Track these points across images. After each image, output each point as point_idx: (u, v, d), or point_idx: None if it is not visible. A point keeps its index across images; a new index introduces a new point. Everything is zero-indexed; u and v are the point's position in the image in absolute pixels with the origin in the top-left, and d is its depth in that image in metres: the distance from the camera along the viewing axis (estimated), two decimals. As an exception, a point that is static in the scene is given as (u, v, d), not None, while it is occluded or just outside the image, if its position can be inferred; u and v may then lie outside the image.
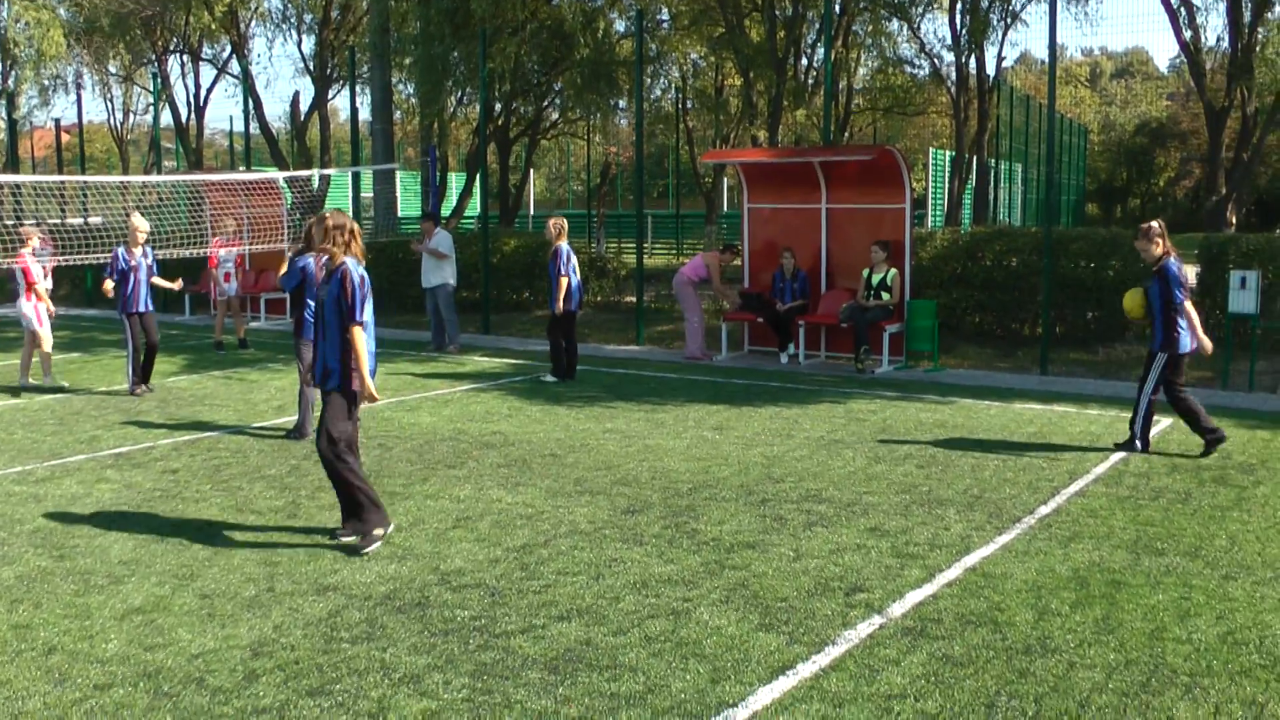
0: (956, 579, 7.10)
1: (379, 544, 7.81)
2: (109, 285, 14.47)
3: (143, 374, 14.57)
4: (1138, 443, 10.73)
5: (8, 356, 18.13)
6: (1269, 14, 27.08)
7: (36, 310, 14.90)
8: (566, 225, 15.38)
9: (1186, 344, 10.61)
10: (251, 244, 22.33)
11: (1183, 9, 27.86)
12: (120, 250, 14.53)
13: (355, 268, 7.71)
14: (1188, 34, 27.89)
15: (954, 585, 6.99)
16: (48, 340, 15.03)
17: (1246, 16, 27.31)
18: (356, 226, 7.98)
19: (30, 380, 15.01)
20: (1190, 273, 17.89)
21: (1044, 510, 8.71)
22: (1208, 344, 10.72)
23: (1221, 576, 7.15)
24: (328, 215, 7.88)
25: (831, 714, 5.26)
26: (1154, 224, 10.91)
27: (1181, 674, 5.69)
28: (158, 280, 14.80)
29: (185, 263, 22.02)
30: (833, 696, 5.44)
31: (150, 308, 14.60)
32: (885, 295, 16.11)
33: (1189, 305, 10.59)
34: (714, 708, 5.35)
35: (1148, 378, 10.78)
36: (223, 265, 19.77)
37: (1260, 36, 27.60)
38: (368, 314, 7.76)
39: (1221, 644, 6.07)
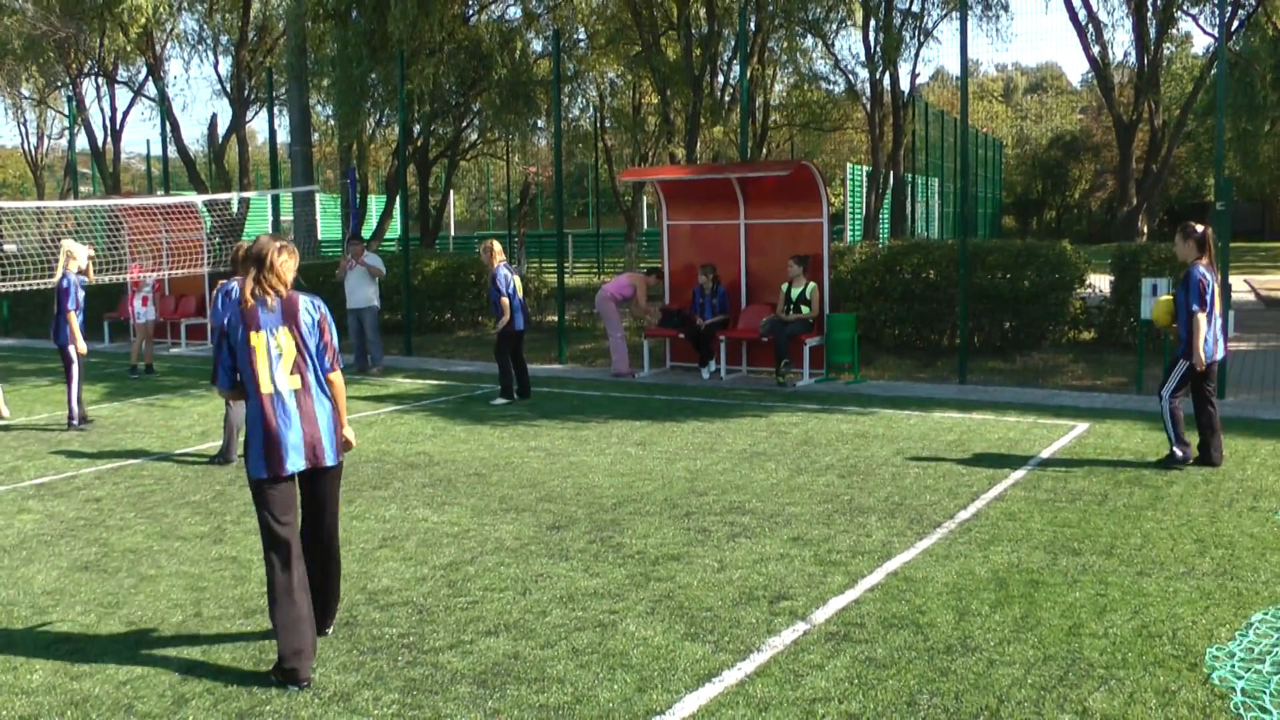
0: (878, 584, 7.23)
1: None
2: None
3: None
4: (1176, 451, 10.43)
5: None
6: (1173, 30, 27.71)
7: None
8: (499, 247, 15.38)
9: (1211, 352, 10.44)
10: (171, 269, 22.14)
11: (1090, 25, 28.45)
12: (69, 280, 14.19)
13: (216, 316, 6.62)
14: (1096, 49, 28.49)
15: (876, 590, 7.11)
16: None
17: (1152, 33, 27.94)
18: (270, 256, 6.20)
19: None
20: (1104, 282, 18.35)
21: (964, 515, 8.87)
22: (1200, 358, 10.40)
23: (1136, 573, 7.33)
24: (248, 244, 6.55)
25: (756, 718, 5.35)
26: (1194, 225, 10.67)
27: (1098, 667, 5.85)
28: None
29: (104, 289, 21.76)
30: (758, 702, 5.53)
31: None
32: (805, 309, 16.30)
33: (1200, 318, 10.30)
34: (641, 716, 5.42)
35: (1166, 382, 10.59)
36: (141, 290, 19.66)
37: (1166, 52, 28.22)
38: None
39: (1136, 637, 6.24)
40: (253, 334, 6.03)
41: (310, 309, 6.20)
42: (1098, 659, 5.96)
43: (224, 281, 11.46)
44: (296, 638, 5.90)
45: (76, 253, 14.14)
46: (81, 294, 14.08)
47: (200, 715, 5.55)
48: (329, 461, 6.18)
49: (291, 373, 6.09)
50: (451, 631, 6.55)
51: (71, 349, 13.91)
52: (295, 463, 6.05)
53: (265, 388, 6.03)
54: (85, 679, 6.02)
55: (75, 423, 13.87)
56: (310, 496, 6.29)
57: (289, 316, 6.11)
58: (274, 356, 6.05)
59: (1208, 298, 10.34)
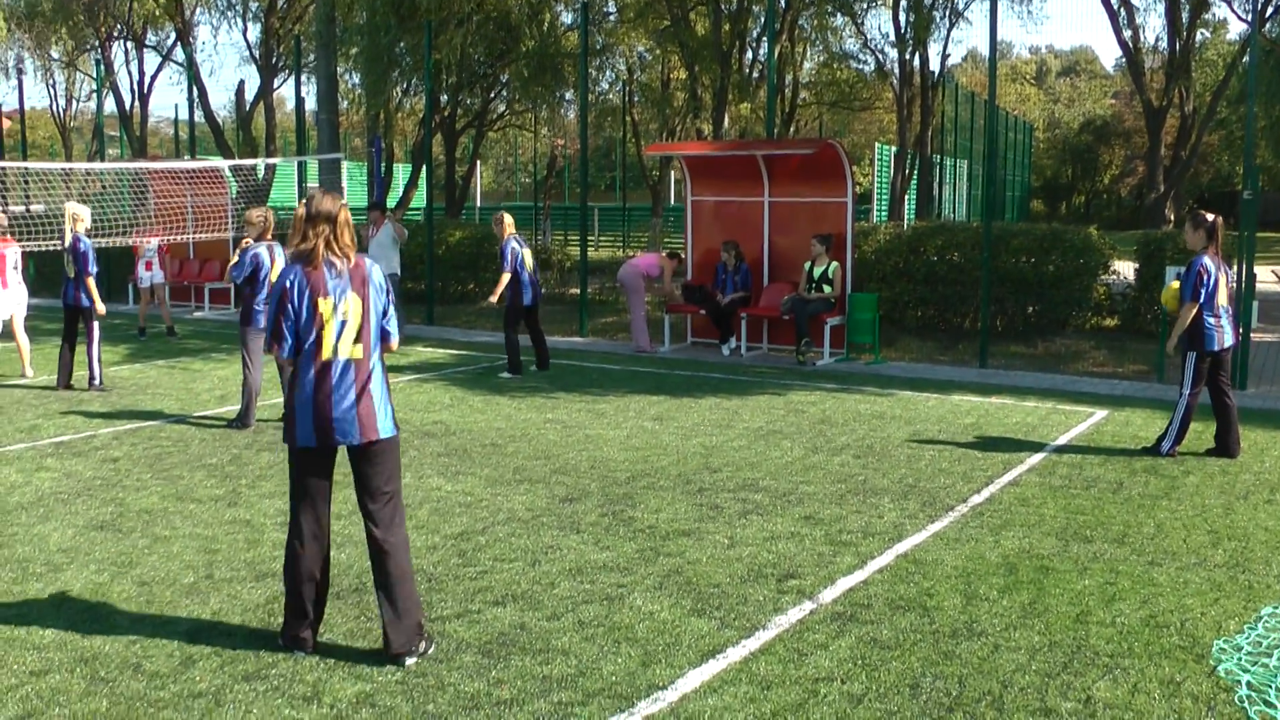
0: (888, 565, 7.23)
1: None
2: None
3: (64, 366, 14.18)
4: (1164, 445, 10.41)
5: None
6: (1207, 15, 27.49)
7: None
8: (509, 220, 15.38)
9: (1215, 341, 10.35)
10: (196, 233, 22.23)
11: (1122, 9, 28.26)
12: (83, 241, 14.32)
13: (280, 277, 5.90)
14: (1127, 34, 28.29)
15: (885, 571, 7.11)
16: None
17: (1184, 18, 27.72)
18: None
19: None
20: (1128, 269, 18.24)
21: (977, 499, 8.86)
22: (1171, 343, 10.56)
23: (1147, 563, 7.31)
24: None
25: (758, 696, 5.36)
26: (1205, 214, 10.60)
27: (1103, 655, 5.84)
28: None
29: (127, 252, 21.90)
30: (761, 679, 5.54)
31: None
32: (827, 288, 16.27)
33: (1191, 309, 10.28)
34: (644, 690, 5.43)
35: (1183, 381, 10.49)
36: (145, 254, 19.86)
37: (1200, 38, 28.01)
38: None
39: (1144, 626, 6.22)
40: (320, 299, 5.69)
41: (377, 274, 5.94)
42: (1104, 647, 5.95)
43: (249, 243, 11.50)
44: (305, 605, 5.84)
45: (82, 214, 14.15)
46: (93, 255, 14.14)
47: (207, 675, 5.59)
48: (384, 434, 5.83)
49: (355, 341, 5.78)
50: (459, 600, 6.58)
51: (91, 309, 13.99)
52: (350, 434, 5.75)
53: (325, 354, 5.72)
54: (96, 636, 6.07)
55: (96, 383, 13.94)
56: (364, 471, 5.87)
57: (359, 282, 5.82)
58: (339, 324, 5.73)
59: (1203, 290, 10.29)
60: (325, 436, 5.73)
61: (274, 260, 11.52)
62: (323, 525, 5.93)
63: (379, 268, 5.99)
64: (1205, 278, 10.31)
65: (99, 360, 14.04)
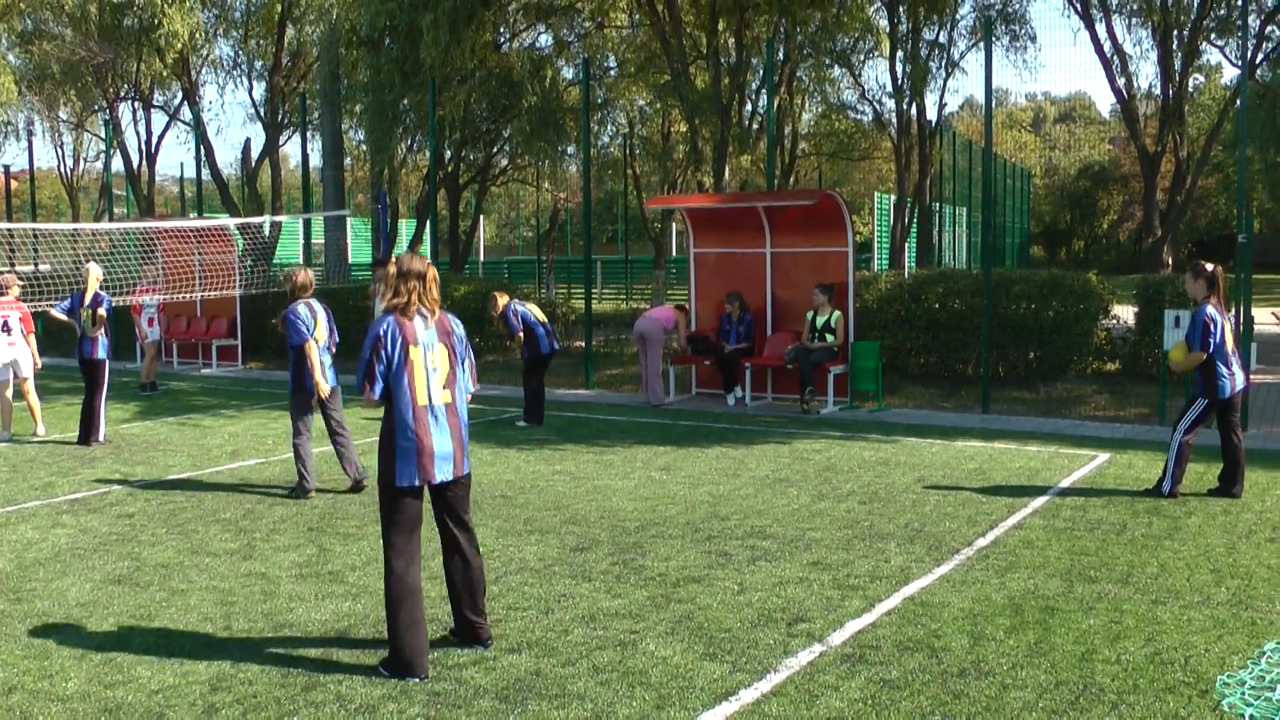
0: (895, 608, 7.34)
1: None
2: (56, 315, 14.71)
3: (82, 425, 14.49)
4: (1165, 485, 10.54)
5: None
6: (1201, 61, 27.80)
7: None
8: (498, 296, 15.66)
9: (1228, 390, 10.52)
10: (205, 290, 22.45)
11: (1116, 57, 28.58)
12: (78, 294, 14.75)
13: (374, 325, 6.49)
14: (1121, 81, 28.61)
15: (893, 614, 7.22)
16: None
17: (1177, 64, 28.04)
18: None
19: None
20: (1128, 313, 18.41)
21: (982, 542, 8.97)
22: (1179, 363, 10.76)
23: (1151, 601, 7.42)
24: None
25: (773, 736, 5.47)
26: (1204, 264, 10.78)
27: (1109, 692, 5.94)
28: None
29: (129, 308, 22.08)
30: (774, 720, 5.66)
31: (104, 356, 14.72)
32: (830, 337, 16.43)
33: (1197, 358, 10.46)
34: (660, 732, 5.55)
35: (1183, 419, 10.64)
36: (146, 310, 20.12)
37: (1194, 83, 28.32)
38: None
39: (1149, 664, 6.33)
40: (412, 348, 6.33)
41: (459, 327, 6.61)
42: (1109, 684, 6.06)
43: (303, 300, 11.29)
44: (419, 637, 6.28)
45: (99, 273, 14.90)
46: None
47: (230, 725, 5.70)
48: (467, 470, 6.59)
49: (444, 387, 6.43)
50: (475, 648, 6.69)
51: (107, 365, 14.45)
52: (443, 472, 6.40)
53: (420, 400, 6.34)
54: (118, 688, 6.18)
55: (101, 438, 14.20)
56: (449, 503, 6.57)
57: (444, 333, 6.48)
58: (430, 371, 6.37)
59: (1211, 340, 10.43)
60: (426, 475, 6.36)
61: (316, 317, 11.24)
62: (418, 552, 6.50)
63: (458, 322, 6.62)
64: (1212, 327, 10.45)
65: (103, 415, 14.34)
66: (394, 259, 6.51)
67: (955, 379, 17.86)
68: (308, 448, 11.16)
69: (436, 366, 6.41)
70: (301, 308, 11.17)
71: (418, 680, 6.20)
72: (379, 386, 6.36)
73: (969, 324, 17.39)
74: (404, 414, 6.33)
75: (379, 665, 6.37)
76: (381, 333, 6.34)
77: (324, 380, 11.16)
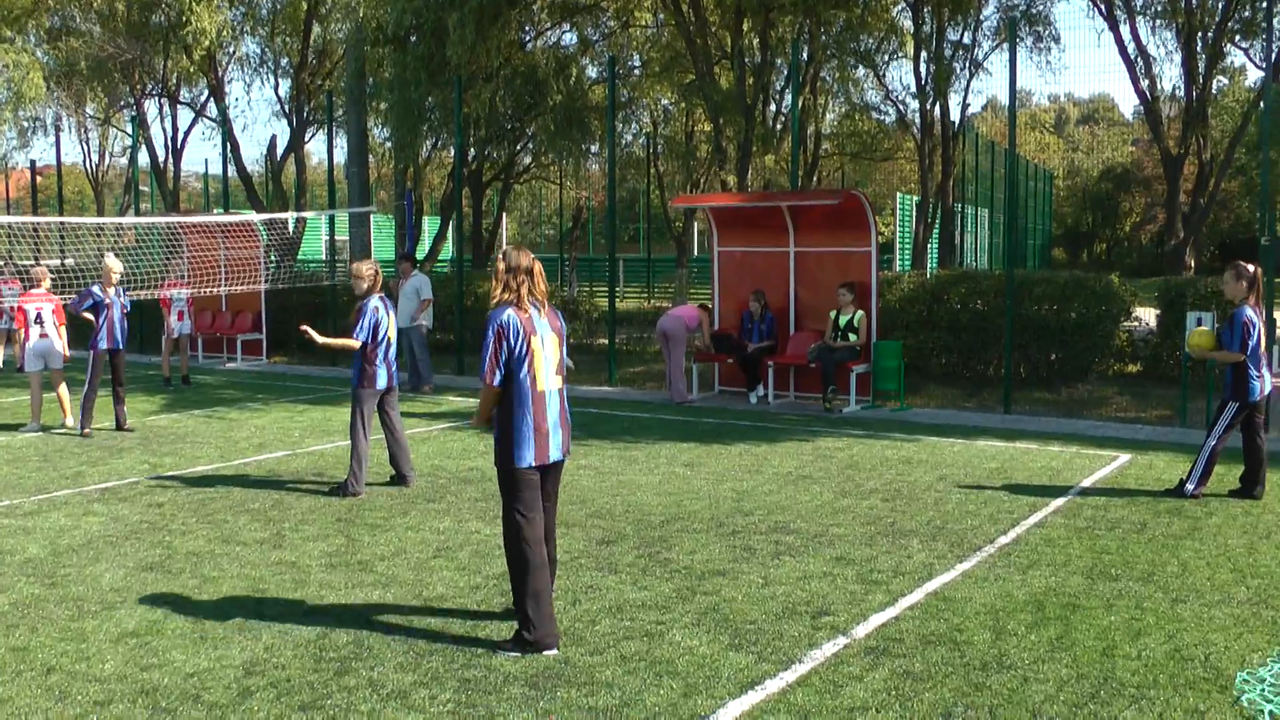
0: (918, 603, 7.42)
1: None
2: (86, 316, 14.84)
3: (116, 415, 14.84)
4: (1189, 486, 10.56)
5: (-13, 396, 18.40)
6: (1225, 63, 27.76)
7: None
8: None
9: (1258, 392, 10.55)
10: (230, 285, 22.62)
11: (1139, 59, 28.56)
12: (94, 288, 14.88)
13: (494, 316, 6.72)
14: (1145, 83, 28.59)
15: (916, 608, 7.31)
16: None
17: (1201, 66, 28.01)
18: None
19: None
20: (1150, 315, 18.44)
21: (1004, 540, 9.04)
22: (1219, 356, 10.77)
23: (1172, 599, 7.48)
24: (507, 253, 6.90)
25: (798, 724, 5.57)
26: (1246, 265, 10.73)
27: (1129, 687, 6.02)
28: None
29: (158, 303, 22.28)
30: (798, 709, 5.74)
31: (122, 346, 14.93)
32: (852, 336, 16.50)
33: (1235, 358, 10.48)
34: (686, 719, 5.64)
35: (1217, 424, 10.65)
36: (175, 305, 20.28)
37: (1218, 85, 28.27)
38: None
39: (1169, 660, 6.40)
40: (533, 338, 6.67)
41: (561, 319, 7.03)
42: (1129, 679, 6.13)
43: (369, 297, 11.23)
44: (548, 607, 6.64)
45: (119, 266, 15.26)
46: None
47: (264, 706, 5.81)
48: (570, 450, 7.01)
49: (556, 373, 6.84)
50: (504, 637, 6.78)
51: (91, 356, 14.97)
52: (556, 452, 6.79)
53: (541, 386, 6.71)
54: (154, 670, 6.31)
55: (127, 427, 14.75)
56: (550, 481, 6.94)
57: (554, 325, 6.89)
58: (548, 359, 6.76)
59: (1251, 342, 10.46)
60: (543, 456, 6.72)
61: (389, 313, 11.12)
62: (541, 529, 6.80)
63: (560, 315, 6.94)
64: (1250, 329, 10.47)
65: (84, 407, 14.66)
66: (501, 254, 6.82)
67: (977, 379, 17.90)
68: (366, 448, 10.98)
69: (550, 356, 6.78)
70: (377, 302, 11.01)
71: (553, 653, 6.52)
72: (500, 375, 6.66)
73: (991, 325, 17.43)
74: (525, 400, 6.66)
75: (499, 645, 6.64)
76: (504, 324, 6.63)
77: (324, 340, 11.22)
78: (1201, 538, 9.11)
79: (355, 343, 10.90)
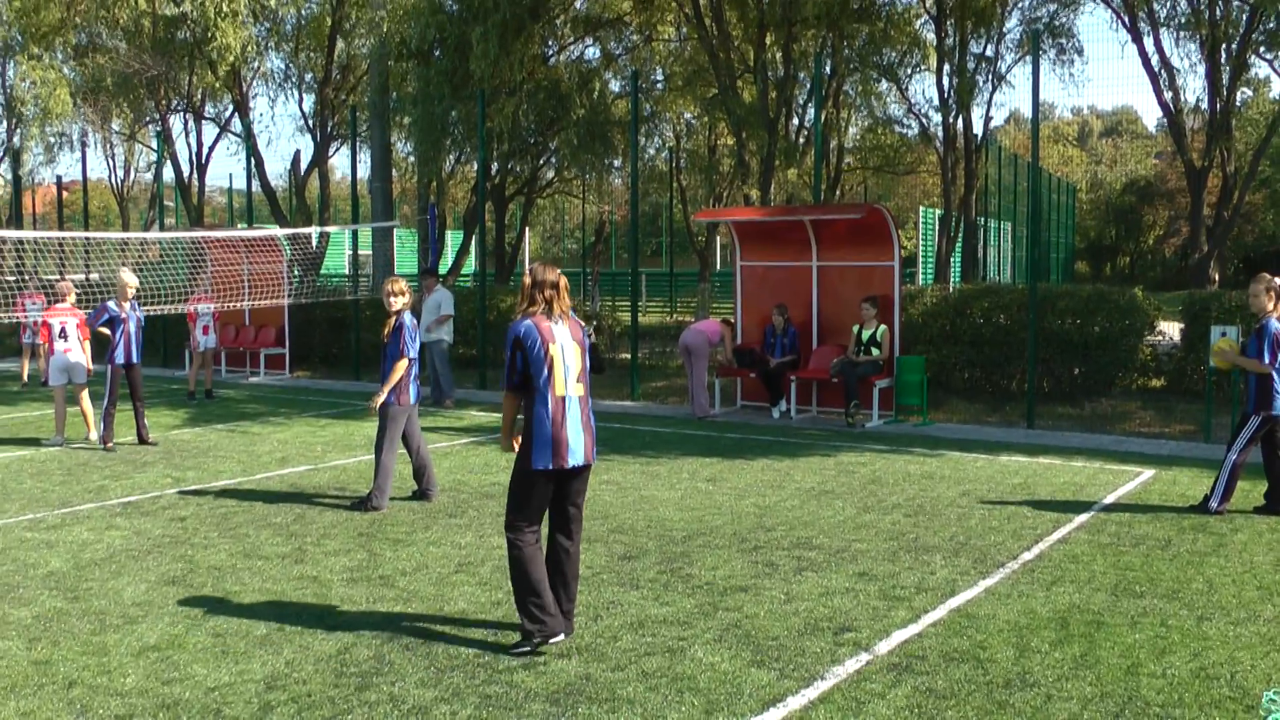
0: (941, 619, 7.38)
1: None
2: (103, 331, 14.91)
3: (137, 428, 14.91)
4: (1212, 502, 10.51)
5: (10, 410, 18.49)
6: (1249, 74, 27.64)
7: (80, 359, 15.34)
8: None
9: None
10: (253, 300, 22.70)
11: (1163, 71, 28.47)
12: (109, 303, 14.94)
13: (515, 327, 6.98)
14: (1168, 95, 28.48)
15: (939, 625, 7.27)
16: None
17: (1225, 78, 27.90)
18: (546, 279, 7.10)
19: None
20: (1174, 329, 18.34)
21: (1027, 556, 9.00)
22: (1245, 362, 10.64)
23: (1198, 617, 7.43)
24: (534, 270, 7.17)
25: (820, 742, 5.54)
26: (1270, 277, 10.67)
27: (1154, 705, 5.97)
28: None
29: (180, 319, 22.40)
30: (821, 726, 5.72)
31: (138, 361, 15.00)
32: (875, 351, 16.46)
33: (1261, 368, 10.39)
34: (708, 736, 5.63)
35: (1238, 438, 10.57)
36: (201, 319, 20.39)
37: (1242, 96, 28.14)
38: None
39: (1194, 678, 6.35)
40: (551, 346, 6.92)
41: (586, 331, 7.24)
42: (1154, 698, 6.08)
43: (406, 313, 11.21)
44: (549, 600, 6.86)
45: (135, 281, 15.40)
46: None
47: (286, 723, 5.82)
48: (593, 459, 7.11)
49: (578, 381, 7.03)
50: (525, 653, 6.78)
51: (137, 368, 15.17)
52: (576, 458, 6.93)
53: (559, 391, 6.93)
54: (175, 684, 6.32)
55: (91, 436, 15.11)
56: (572, 488, 7.08)
57: (576, 335, 7.10)
58: (567, 366, 6.96)
59: (1278, 354, 10.39)
60: (560, 460, 6.88)
61: (418, 331, 11.17)
62: (542, 531, 7.06)
63: (585, 327, 7.19)
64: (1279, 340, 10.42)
65: (105, 421, 14.71)
66: (529, 270, 7.11)
67: (1000, 394, 17.84)
68: (392, 463, 10.96)
69: (570, 364, 6.98)
70: (409, 318, 11.00)
71: (561, 638, 6.86)
72: (517, 381, 6.95)
73: (1014, 339, 17.37)
74: (544, 406, 6.88)
75: (510, 649, 6.81)
76: (522, 334, 6.91)
77: (383, 394, 10.91)
78: (1227, 555, 9.04)
79: (403, 365, 10.88)
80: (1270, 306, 10.56)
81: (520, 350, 6.92)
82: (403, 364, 10.83)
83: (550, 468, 6.87)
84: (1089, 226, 61.51)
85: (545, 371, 6.89)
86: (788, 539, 9.58)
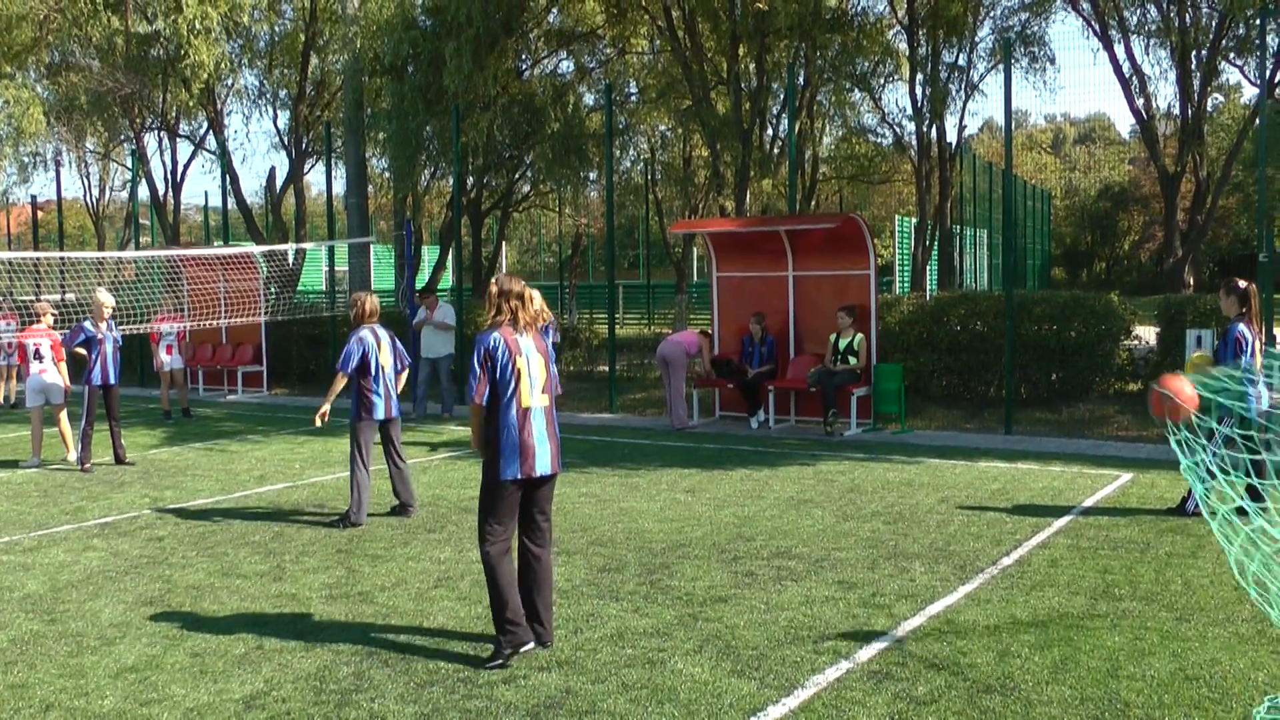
0: (921, 626, 7.39)
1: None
2: (79, 351, 14.83)
3: (114, 449, 14.83)
4: (1189, 504, 10.53)
5: (-13, 432, 18.39)
6: (1220, 80, 27.84)
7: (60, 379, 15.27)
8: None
9: (1254, 407, 10.57)
10: (230, 317, 22.63)
11: (1135, 78, 28.64)
12: (86, 323, 14.86)
13: (482, 339, 7.07)
14: (1140, 101, 28.66)
15: (919, 632, 7.27)
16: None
17: (1195, 84, 28.09)
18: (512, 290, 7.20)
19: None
20: (1150, 334, 18.42)
21: (1007, 561, 9.01)
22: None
23: (1176, 619, 7.45)
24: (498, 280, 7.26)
25: (801, 750, 5.53)
26: (1238, 282, 10.73)
27: (1134, 707, 5.98)
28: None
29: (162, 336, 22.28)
30: (802, 735, 5.71)
31: (115, 381, 14.92)
32: (853, 359, 16.49)
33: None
34: (689, 747, 5.61)
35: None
36: (164, 339, 20.30)
37: (1214, 102, 28.35)
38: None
39: (1174, 680, 6.37)
40: (517, 358, 7.01)
41: (549, 340, 7.24)
42: (1135, 700, 6.09)
43: (359, 327, 11.22)
44: (517, 611, 6.94)
45: (111, 301, 15.29)
46: None
47: (265, 742, 5.79)
48: (559, 468, 7.22)
49: (543, 392, 7.13)
50: (497, 665, 6.76)
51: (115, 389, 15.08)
52: (544, 467, 7.04)
53: (525, 402, 7.01)
54: (153, 705, 6.27)
55: (70, 457, 15.11)
56: (539, 496, 7.19)
57: (539, 345, 7.22)
58: (533, 378, 7.06)
59: (1244, 359, 10.45)
60: (528, 469, 6.98)
61: (380, 343, 11.03)
62: (511, 541, 7.10)
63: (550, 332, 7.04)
64: (1243, 344, 10.46)
65: (83, 441, 14.61)
66: (494, 280, 7.21)
67: (978, 400, 17.88)
68: (365, 478, 10.95)
69: (535, 375, 7.07)
70: (365, 333, 10.98)
71: (542, 647, 7.04)
72: (486, 392, 7.00)
73: (991, 345, 17.42)
74: (511, 417, 6.97)
75: (484, 663, 6.84)
76: (490, 346, 7.00)
77: (328, 407, 11.27)
78: (1205, 556, 9.07)
79: (340, 379, 11.10)
80: (1236, 310, 10.65)
81: (491, 362, 7.00)
82: (339, 379, 11.12)
83: (519, 477, 6.96)
84: (1065, 233, 61.73)
85: (513, 384, 6.99)
86: (767, 549, 9.58)
